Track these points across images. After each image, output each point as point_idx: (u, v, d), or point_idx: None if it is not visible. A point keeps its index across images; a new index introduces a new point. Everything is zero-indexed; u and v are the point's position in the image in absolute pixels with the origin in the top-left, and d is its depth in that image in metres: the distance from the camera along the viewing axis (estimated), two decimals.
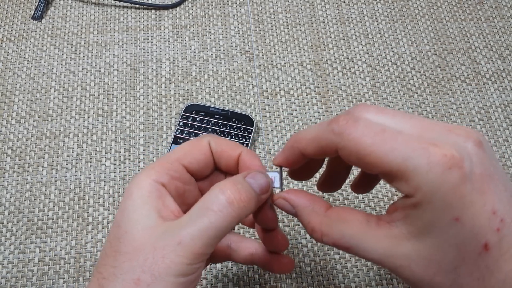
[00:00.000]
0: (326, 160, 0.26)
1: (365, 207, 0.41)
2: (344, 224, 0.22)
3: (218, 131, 0.42)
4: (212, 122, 0.43)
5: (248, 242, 0.29)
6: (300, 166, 0.25)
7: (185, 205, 0.25)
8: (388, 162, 0.18)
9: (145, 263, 0.21)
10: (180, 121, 0.43)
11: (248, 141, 0.42)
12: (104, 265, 0.22)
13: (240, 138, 0.42)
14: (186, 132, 0.42)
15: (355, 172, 0.39)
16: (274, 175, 0.26)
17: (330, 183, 0.28)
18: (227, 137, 0.42)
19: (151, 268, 0.21)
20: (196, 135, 0.42)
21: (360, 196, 0.41)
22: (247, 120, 0.43)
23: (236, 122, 0.43)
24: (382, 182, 0.42)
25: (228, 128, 0.43)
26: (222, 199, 0.21)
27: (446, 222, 0.18)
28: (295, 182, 0.42)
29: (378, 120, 0.20)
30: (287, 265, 0.29)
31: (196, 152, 0.25)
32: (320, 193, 0.30)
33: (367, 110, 0.21)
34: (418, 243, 0.19)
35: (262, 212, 0.26)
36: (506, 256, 0.18)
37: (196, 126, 0.43)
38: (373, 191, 0.41)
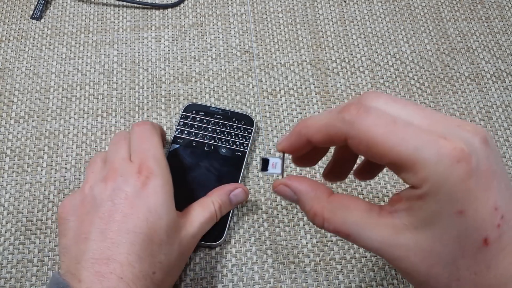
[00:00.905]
0: (332, 148, 0.27)
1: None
2: (346, 211, 0.22)
3: (218, 130, 0.42)
4: (212, 122, 0.42)
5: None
6: (304, 153, 0.25)
7: None
8: (398, 153, 0.19)
9: (178, 249, 0.32)
10: (180, 121, 0.42)
11: (248, 141, 0.41)
12: (156, 253, 0.30)
13: (240, 138, 0.41)
14: (186, 132, 0.42)
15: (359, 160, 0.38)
16: (276, 161, 0.25)
17: (336, 172, 0.28)
18: (227, 137, 0.41)
19: (180, 253, 0.32)
20: (196, 135, 0.41)
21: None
22: (247, 120, 0.42)
23: (236, 122, 0.42)
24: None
25: (228, 128, 0.42)
26: (213, 211, 0.35)
27: (450, 215, 0.18)
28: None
29: (389, 110, 0.20)
30: None
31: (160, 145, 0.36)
32: (322, 180, 0.29)
33: (378, 98, 0.21)
34: (419, 234, 0.19)
35: None
36: (505, 252, 0.19)
37: (196, 126, 0.42)
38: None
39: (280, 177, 0.25)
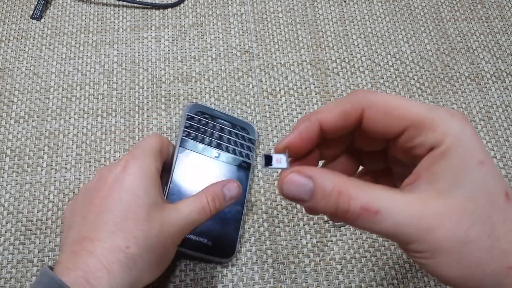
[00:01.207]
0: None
1: None
2: (371, 186, 0.20)
3: (224, 138, 0.41)
4: (218, 128, 0.41)
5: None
6: (310, 148, 0.23)
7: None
8: (416, 112, 0.20)
9: (158, 234, 0.30)
10: (186, 122, 0.40)
11: (253, 152, 0.41)
12: (133, 227, 0.30)
13: (245, 148, 0.41)
14: (193, 135, 0.40)
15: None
16: (280, 157, 0.23)
17: None
18: (233, 145, 0.40)
19: (161, 241, 0.30)
20: (203, 140, 0.40)
21: None
22: (250, 130, 0.42)
23: (240, 130, 0.42)
24: None
25: (234, 136, 0.41)
26: (207, 206, 0.33)
27: (473, 166, 0.19)
28: None
29: None
30: None
31: (167, 148, 0.36)
32: None
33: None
34: (449, 197, 0.19)
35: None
36: None
37: (202, 130, 0.40)
38: None
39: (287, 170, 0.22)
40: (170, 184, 0.37)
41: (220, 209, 0.34)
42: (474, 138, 0.19)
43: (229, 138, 0.41)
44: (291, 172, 0.21)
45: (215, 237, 0.37)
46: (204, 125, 0.41)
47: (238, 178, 0.39)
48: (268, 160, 0.23)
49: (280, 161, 0.23)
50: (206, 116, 0.41)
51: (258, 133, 0.43)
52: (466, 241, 0.18)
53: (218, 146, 0.40)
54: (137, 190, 0.30)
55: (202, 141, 0.40)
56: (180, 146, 0.39)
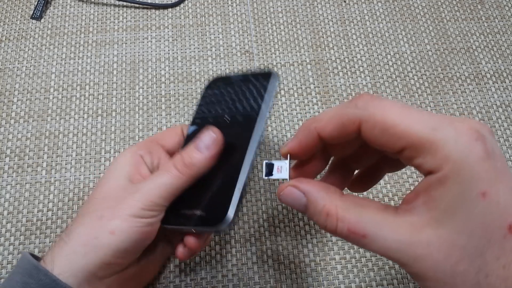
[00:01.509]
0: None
1: None
2: (361, 209, 0.20)
3: (235, 100, 0.33)
4: (231, 94, 0.34)
5: None
6: (311, 154, 0.24)
7: None
8: (416, 132, 0.18)
9: (108, 205, 0.28)
10: (200, 101, 0.35)
11: (262, 98, 0.32)
12: (82, 207, 0.30)
13: (254, 100, 0.32)
14: (206, 111, 0.34)
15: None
16: (282, 165, 0.24)
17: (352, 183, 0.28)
18: (239, 104, 0.33)
19: (113, 209, 0.27)
20: (214, 113, 0.34)
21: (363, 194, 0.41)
22: (267, 77, 0.32)
23: (254, 84, 0.33)
24: (382, 181, 0.42)
25: (244, 93, 0.33)
26: (171, 165, 0.28)
27: (473, 198, 0.17)
28: None
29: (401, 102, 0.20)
30: None
31: (170, 134, 0.34)
32: None
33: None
34: (441, 227, 0.18)
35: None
36: None
37: (215, 103, 0.34)
38: (373, 191, 0.41)
39: (286, 182, 0.24)
40: None
41: (196, 165, 0.28)
42: (479, 164, 0.17)
43: (238, 99, 0.33)
44: (288, 185, 0.22)
45: (207, 204, 0.30)
46: (218, 97, 0.34)
47: (239, 133, 0.31)
48: (269, 169, 0.24)
49: (281, 170, 0.24)
50: (222, 87, 0.35)
51: (279, 78, 0.34)
52: (452, 275, 0.18)
53: (228, 112, 0.33)
54: (109, 175, 0.30)
55: (212, 115, 0.34)
56: (190, 126, 0.35)
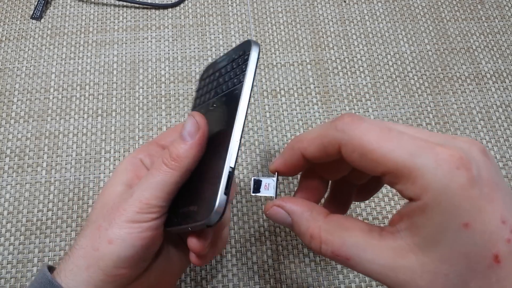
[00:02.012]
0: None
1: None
2: (345, 232, 0.20)
3: (220, 81, 0.30)
4: (216, 76, 0.31)
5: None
6: (298, 172, 0.24)
7: None
8: (394, 159, 0.18)
9: (105, 214, 0.26)
10: (196, 93, 0.33)
11: (244, 71, 0.27)
12: (86, 218, 0.29)
13: (236, 75, 0.28)
14: (200, 100, 0.32)
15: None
16: (269, 182, 0.24)
17: (336, 204, 0.27)
18: (223, 82, 0.30)
19: (110, 217, 0.26)
20: (205, 96, 0.31)
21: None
22: (245, 47, 0.28)
23: (236, 59, 0.29)
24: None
25: (227, 71, 0.30)
26: (160, 161, 0.26)
27: (455, 229, 0.17)
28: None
29: (382, 122, 0.20)
30: None
31: (171, 133, 0.32)
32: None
33: (369, 118, 0.21)
34: (424, 255, 0.18)
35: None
36: None
37: (205, 88, 0.32)
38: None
39: (273, 199, 0.24)
40: None
41: (183, 156, 0.26)
42: (461, 194, 0.17)
43: (224, 80, 0.30)
44: (273, 205, 0.23)
45: (199, 197, 0.27)
46: (209, 85, 0.32)
47: (226, 113, 0.28)
48: (257, 185, 0.25)
49: (268, 187, 0.24)
50: (211, 73, 0.32)
51: (258, 46, 0.28)
52: None
53: (214, 95, 0.30)
54: (105, 188, 0.28)
55: (205, 103, 0.31)
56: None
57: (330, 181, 0.27)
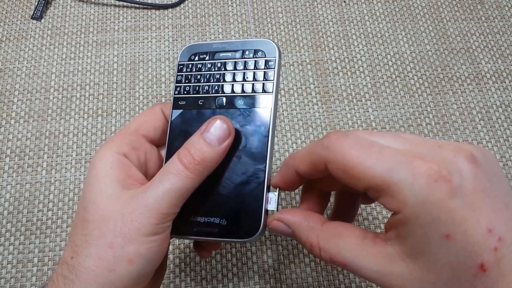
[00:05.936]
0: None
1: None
2: (340, 239, 0.21)
3: (229, 75, 0.28)
4: (219, 65, 0.29)
5: None
6: (297, 186, 0.25)
7: (150, 173, 0.26)
8: (373, 175, 0.18)
9: (115, 228, 0.22)
10: (177, 75, 0.29)
11: (273, 79, 0.27)
12: (75, 234, 0.23)
13: (259, 78, 0.28)
14: (188, 88, 0.29)
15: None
16: (271, 196, 0.25)
17: (341, 213, 0.28)
18: (242, 80, 0.28)
19: (122, 231, 0.22)
20: (202, 89, 0.28)
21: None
22: (266, 48, 0.28)
23: (251, 55, 0.28)
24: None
25: (242, 66, 0.28)
26: (179, 164, 0.23)
27: (436, 240, 0.17)
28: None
29: (368, 137, 0.20)
30: None
31: (152, 120, 0.27)
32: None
33: (358, 130, 0.21)
34: (412, 263, 0.18)
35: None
36: (509, 278, 0.17)
37: (199, 77, 0.29)
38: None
39: (272, 215, 0.25)
40: (164, 157, 0.28)
41: (208, 161, 0.24)
42: (439, 207, 0.17)
43: (234, 73, 0.28)
44: (274, 219, 0.24)
45: (230, 211, 0.26)
46: (201, 69, 0.29)
47: (255, 122, 0.27)
48: None
49: (270, 201, 0.25)
50: (204, 56, 0.30)
51: (279, 49, 0.28)
52: None
53: (221, 91, 0.28)
54: (93, 193, 0.24)
55: (202, 91, 0.29)
56: (173, 109, 0.29)
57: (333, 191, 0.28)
